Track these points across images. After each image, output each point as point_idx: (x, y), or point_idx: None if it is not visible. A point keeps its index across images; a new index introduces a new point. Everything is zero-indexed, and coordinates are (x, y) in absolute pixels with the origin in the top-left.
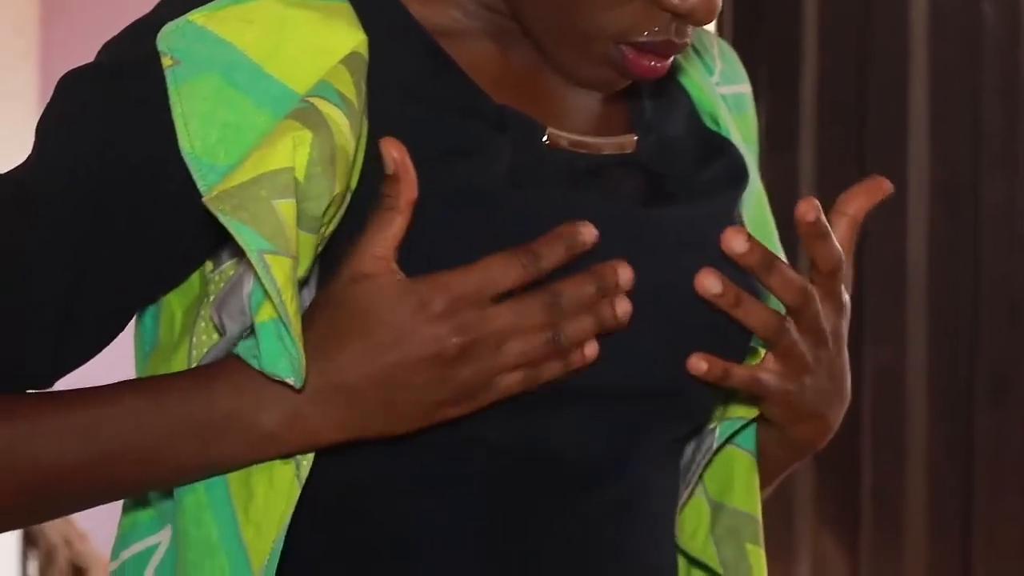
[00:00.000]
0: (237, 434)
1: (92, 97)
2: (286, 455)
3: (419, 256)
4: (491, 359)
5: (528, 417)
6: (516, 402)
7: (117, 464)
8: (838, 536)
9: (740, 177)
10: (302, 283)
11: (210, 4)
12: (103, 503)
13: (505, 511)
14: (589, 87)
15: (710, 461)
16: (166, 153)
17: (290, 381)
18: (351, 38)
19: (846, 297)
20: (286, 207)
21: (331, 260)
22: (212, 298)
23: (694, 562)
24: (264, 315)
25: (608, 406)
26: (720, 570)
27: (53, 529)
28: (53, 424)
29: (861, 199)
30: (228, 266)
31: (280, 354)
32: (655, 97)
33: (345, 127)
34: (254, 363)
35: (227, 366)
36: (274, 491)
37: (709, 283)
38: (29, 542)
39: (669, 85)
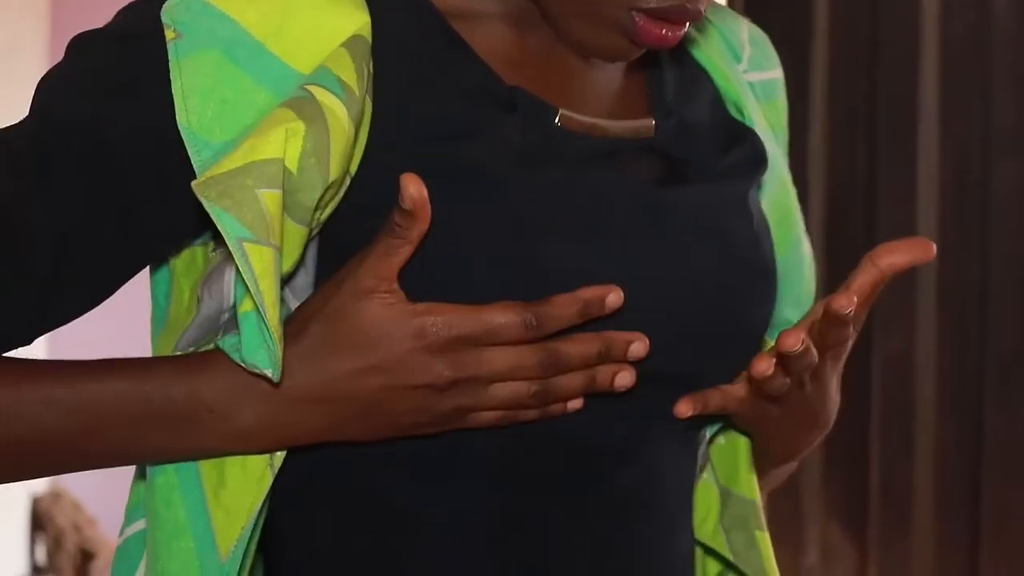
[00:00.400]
0: (212, 427)
1: (96, 59)
2: (257, 453)
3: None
4: (476, 397)
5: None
6: None
7: (92, 440)
8: (846, 526)
9: (758, 162)
10: (297, 265)
11: None
12: (68, 472)
13: (506, 496)
14: (602, 57)
15: (712, 440)
16: (164, 124)
17: (268, 374)
18: (356, 19)
19: (848, 345)
20: (271, 197)
21: (331, 242)
22: (202, 276)
23: (705, 548)
24: (247, 305)
25: (623, 391)
26: (731, 558)
27: (62, 514)
28: (35, 394)
29: (899, 257)
30: (223, 248)
31: (260, 345)
32: (678, 83)
33: (343, 115)
34: (236, 357)
35: (212, 359)
36: (246, 477)
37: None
38: (38, 527)
39: (692, 71)
